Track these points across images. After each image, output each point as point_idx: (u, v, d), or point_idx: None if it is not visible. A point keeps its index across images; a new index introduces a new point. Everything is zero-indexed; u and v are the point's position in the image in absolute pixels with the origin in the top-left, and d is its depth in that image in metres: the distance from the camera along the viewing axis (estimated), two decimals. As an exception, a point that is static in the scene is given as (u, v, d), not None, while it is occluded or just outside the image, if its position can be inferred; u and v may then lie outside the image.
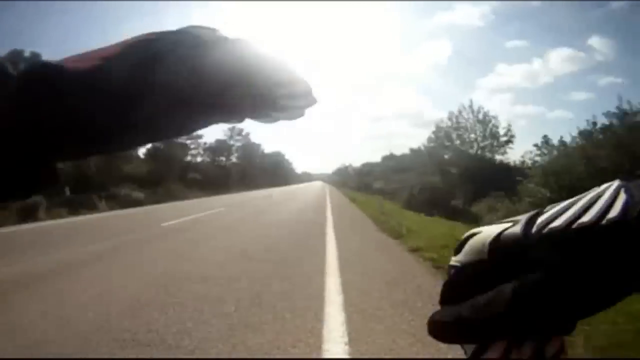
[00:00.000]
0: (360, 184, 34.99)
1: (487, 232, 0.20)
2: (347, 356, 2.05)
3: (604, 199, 0.19)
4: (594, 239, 0.18)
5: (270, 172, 51.03)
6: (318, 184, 69.30)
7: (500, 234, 0.20)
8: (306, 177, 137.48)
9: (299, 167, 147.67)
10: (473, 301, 0.19)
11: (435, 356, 1.97)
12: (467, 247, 0.21)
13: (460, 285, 0.20)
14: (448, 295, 0.20)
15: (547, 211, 0.19)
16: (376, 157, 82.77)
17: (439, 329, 0.20)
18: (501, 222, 0.20)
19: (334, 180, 79.87)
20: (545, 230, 0.19)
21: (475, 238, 0.20)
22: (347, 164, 75.79)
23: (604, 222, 0.18)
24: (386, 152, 57.21)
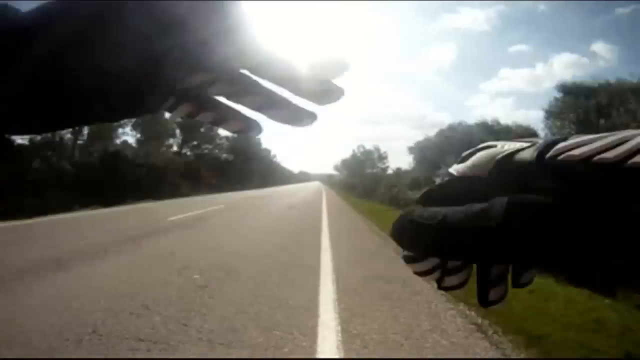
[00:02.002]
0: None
1: (501, 147, 0.18)
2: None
3: (637, 141, 0.15)
4: (612, 179, 0.15)
5: (232, 166, 31.19)
6: (314, 186, 47.77)
7: (513, 153, 0.17)
8: (304, 177, 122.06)
9: (295, 167, 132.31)
10: (467, 207, 0.17)
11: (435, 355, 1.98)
12: (474, 158, 0.18)
13: (447, 194, 0.18)
14: (429, 200, 0.18)
15: (569, 139, 0.17)
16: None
17: (408, 228, 0.18)
18: (519, 141, 0.18)
19: (337, 182, 53.87)
20: (562, 156, 0.16)
21: (486, 151, 0.18)
22: (368, 147, 45.93)
23: (628, 163, 0.15)
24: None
